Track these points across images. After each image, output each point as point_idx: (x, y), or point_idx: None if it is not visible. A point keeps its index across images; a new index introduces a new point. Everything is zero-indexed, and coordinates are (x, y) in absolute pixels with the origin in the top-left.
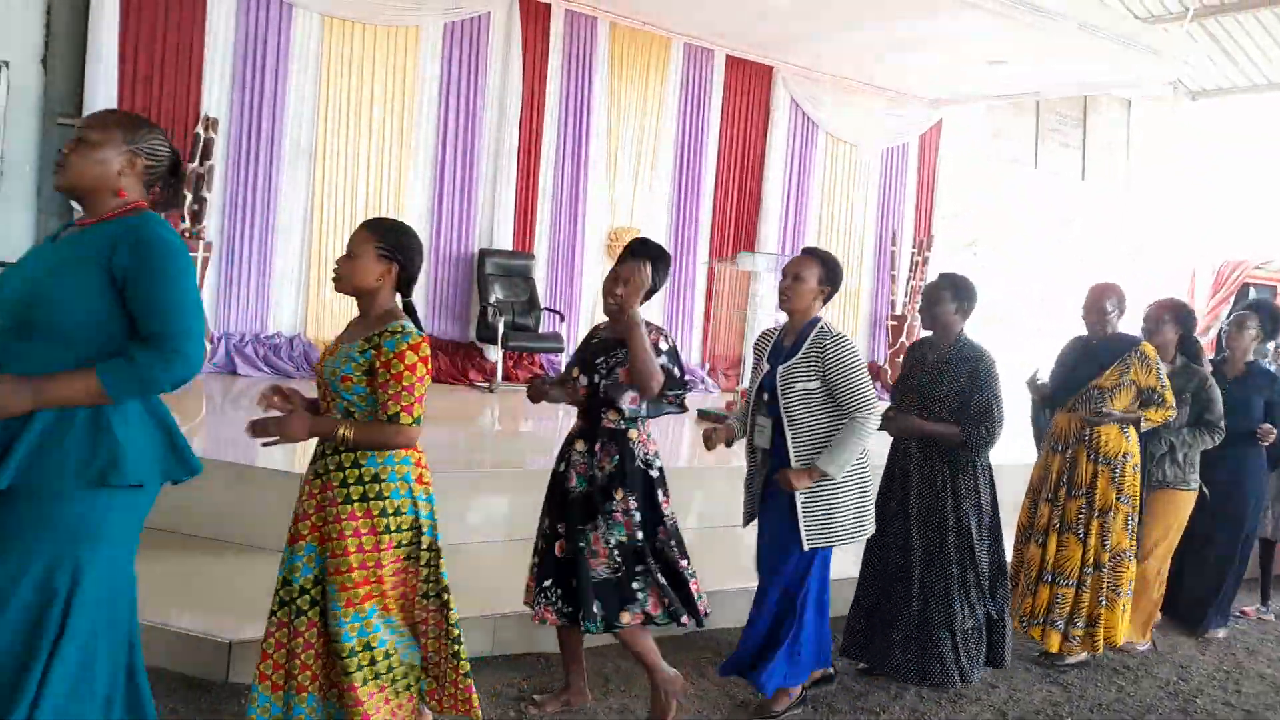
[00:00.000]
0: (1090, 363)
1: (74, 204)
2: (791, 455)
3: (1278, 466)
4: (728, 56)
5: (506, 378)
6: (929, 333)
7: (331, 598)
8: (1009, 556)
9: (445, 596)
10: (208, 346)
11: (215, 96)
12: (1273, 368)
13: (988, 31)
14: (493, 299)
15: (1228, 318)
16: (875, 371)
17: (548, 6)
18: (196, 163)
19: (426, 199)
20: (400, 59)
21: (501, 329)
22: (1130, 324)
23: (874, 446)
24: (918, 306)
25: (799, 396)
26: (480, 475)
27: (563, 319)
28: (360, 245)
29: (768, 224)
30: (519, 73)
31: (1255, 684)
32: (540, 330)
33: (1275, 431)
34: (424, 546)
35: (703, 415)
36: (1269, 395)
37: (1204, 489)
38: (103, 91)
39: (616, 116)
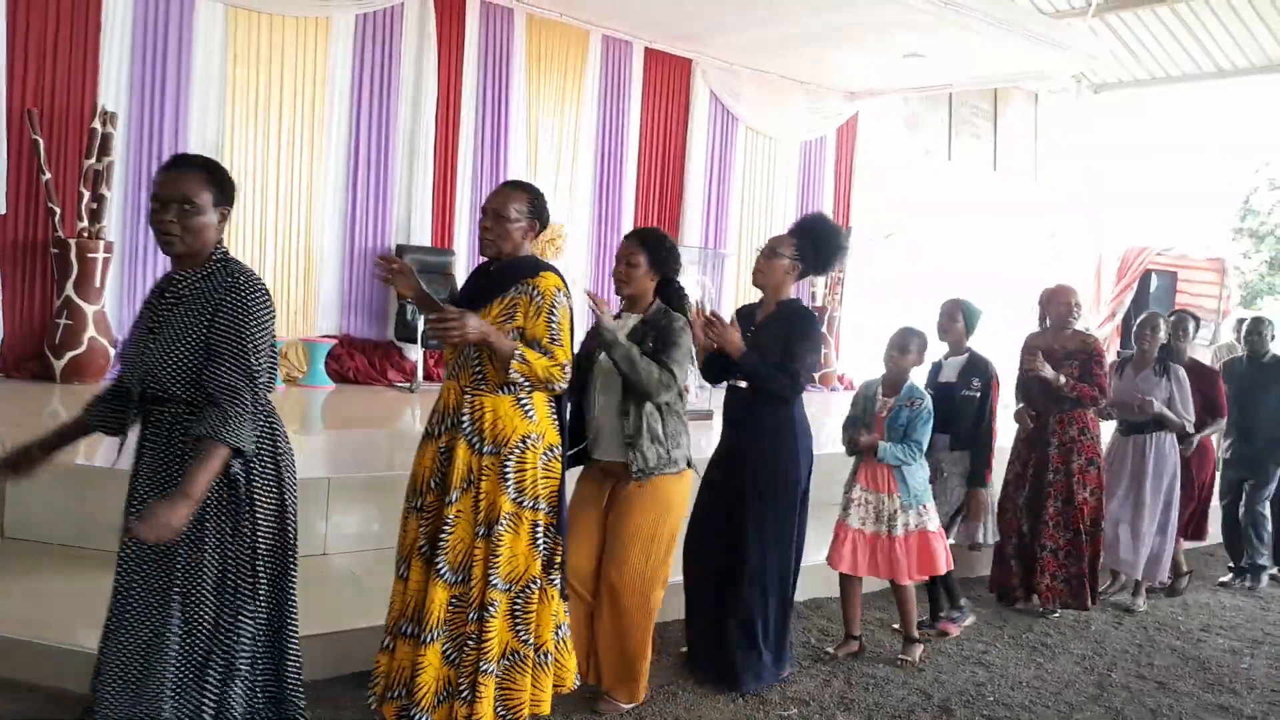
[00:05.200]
0: (483, 299)
1: None
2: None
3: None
4: (646, 49)
5: (428, 377)
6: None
7: None
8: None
9: None
10: (111, 351)
11: (113, 90)
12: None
13: (903, 24)
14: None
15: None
16: None
17: None
18: (94, 159)
19: (340, 195)
20: (310, 51)
21: (421, 327)
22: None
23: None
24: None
25: None
26: (401, 478)
27: None
28: None
29: (691, 218)
30: (434, 66)
31: (1166, 656)
32: None
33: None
34: None
35: None
36: (795, 333)
37: (694, 464)
38: None
39: (535, 110)
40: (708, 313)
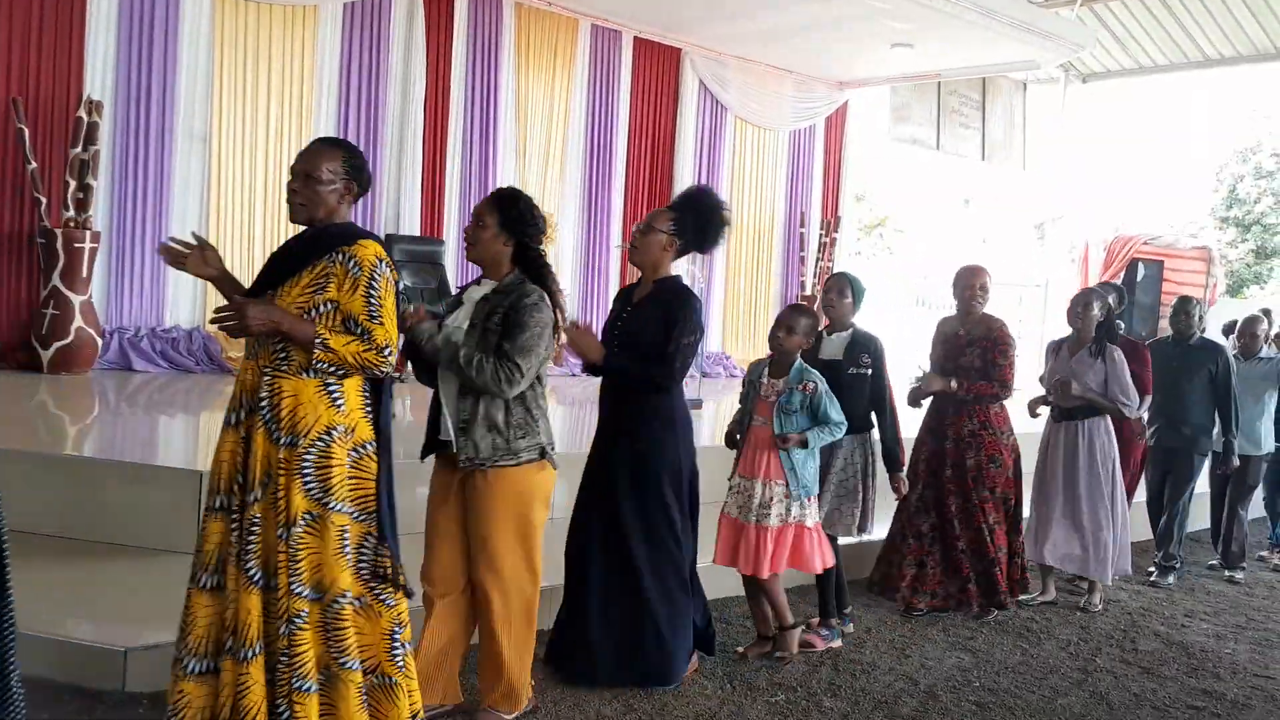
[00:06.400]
0: (290, 269)
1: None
2: None
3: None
4: (635, 38)
5: None
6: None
7: None
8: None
9: None
10: (99, 341)
11: (99, 78)
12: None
13: (890, 14)
14: (401, 286)
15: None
16: None
17: None
18: (80, 148)
19: None
20: (298, 39)
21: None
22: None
23: None
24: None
25: None
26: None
27: None
28: None
29: None
30: (423, 54)
31: (1150, 641)
32: None
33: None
34: None
35: None
36: (669, 314)
37: (551, 455)
38: None
39: (524, 99)
40: (568, 324)
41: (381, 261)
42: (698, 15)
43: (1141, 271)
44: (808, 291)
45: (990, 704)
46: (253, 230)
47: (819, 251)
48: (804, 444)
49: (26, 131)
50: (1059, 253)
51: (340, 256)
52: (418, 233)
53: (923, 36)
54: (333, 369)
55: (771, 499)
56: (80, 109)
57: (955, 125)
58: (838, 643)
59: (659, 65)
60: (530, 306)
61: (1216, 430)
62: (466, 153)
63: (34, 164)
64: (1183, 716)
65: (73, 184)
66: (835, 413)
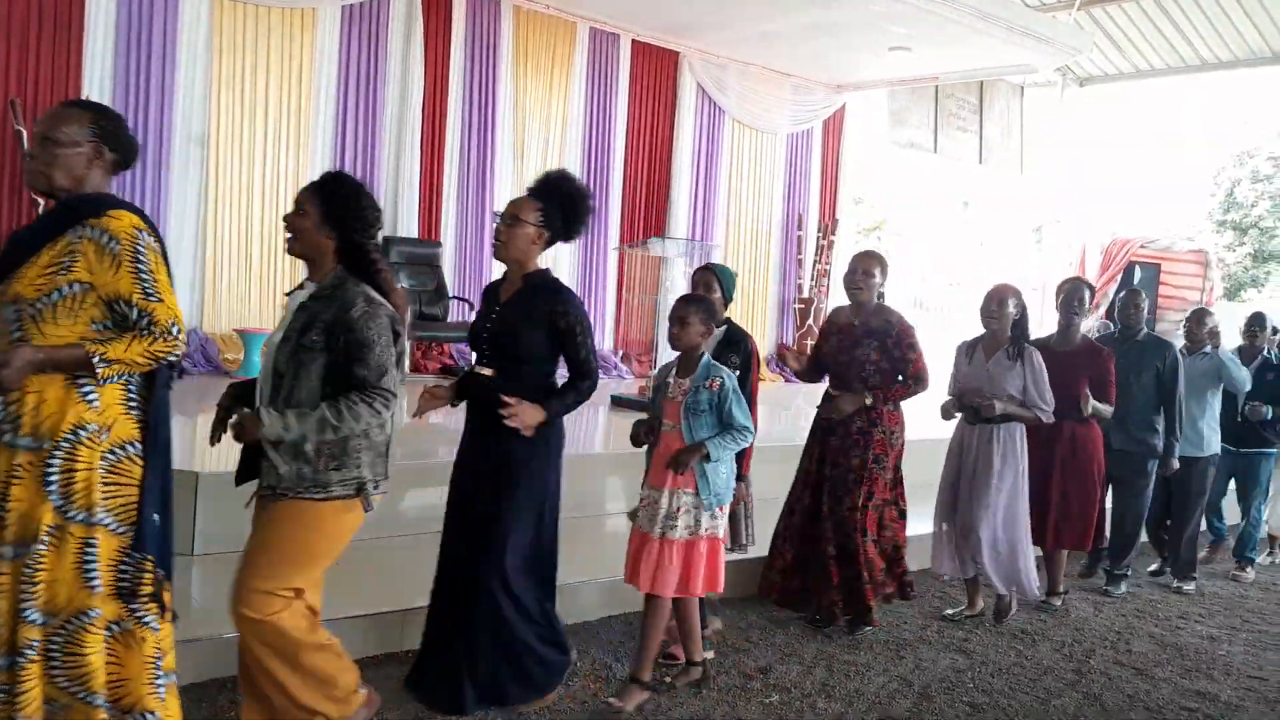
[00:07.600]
0: (29, 250)
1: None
2: None
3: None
4: (634, 41)
5: (415, 368)
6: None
7: None
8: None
9: None
10: None
11: (97, 80)
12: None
13: (888, 17)
14: (399, 288)
15: (1117, 293)
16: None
17: None
18: None
19: None
20: (296, 43)
21: (409, 318)
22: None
23: None
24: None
25: None
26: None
27: (472, 308)
28: None
29: (677, 209)
30: (421, 57)
31: (1145, 643)
32: (449, 319)
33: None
34: None
35: (616, 401)
36: (554, 320)
37: (369, 494)
38: None
39: (522, 102)
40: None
41: (141, 231)
42: (696, 18)
43: (1138, 275)
44: (805, 294)
45: (984, 705)
46: (250, 232)
47: (817, 254)
48: (706, 458)
49: (25, 132)
50: (1057, 256)
51: (88, 231)
52: (415, 235)
53: (920, 40)
54: (127, 375)
55: (679, 509)
56: None
57: (953, 129)
58: (710, 653)
59: (657, 68)
60: (364, 318)
61: None
62: (464, 156)
63: None
64: (1176, 718)
65: None
66: (741, 415)
